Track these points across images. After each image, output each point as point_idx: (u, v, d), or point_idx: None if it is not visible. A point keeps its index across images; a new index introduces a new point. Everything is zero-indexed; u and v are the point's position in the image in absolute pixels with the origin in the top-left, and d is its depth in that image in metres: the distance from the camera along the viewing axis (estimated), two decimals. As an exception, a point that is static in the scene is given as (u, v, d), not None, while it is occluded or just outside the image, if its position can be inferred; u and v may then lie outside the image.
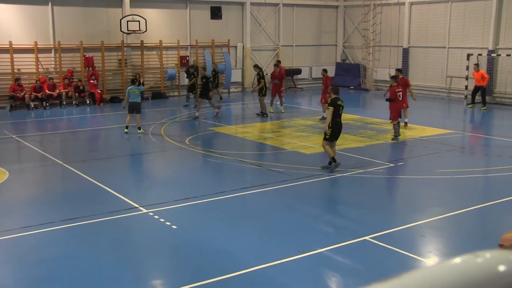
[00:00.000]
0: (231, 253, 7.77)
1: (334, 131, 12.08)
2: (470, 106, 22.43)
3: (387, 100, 16.02)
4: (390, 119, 15.86)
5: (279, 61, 22.20)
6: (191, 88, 22.75)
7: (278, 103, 21.19)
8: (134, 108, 16.77)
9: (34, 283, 7.04)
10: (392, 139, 15.60)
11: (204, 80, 19.63)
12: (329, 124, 12.02)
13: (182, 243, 8.28)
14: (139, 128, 16.85)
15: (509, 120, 20.32)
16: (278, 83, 20.63)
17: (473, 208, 9.86)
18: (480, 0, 24.09)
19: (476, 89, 22.15)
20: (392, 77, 16.33)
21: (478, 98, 22.43)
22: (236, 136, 16.95)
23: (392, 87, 15.88)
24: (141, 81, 24.33)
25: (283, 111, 20.93)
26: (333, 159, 12.13)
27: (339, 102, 12.08)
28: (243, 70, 28.34)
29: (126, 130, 16.83)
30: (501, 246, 3.27)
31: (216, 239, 8.31)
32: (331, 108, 12.04)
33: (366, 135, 16.76)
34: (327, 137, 12.14)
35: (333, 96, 12.24)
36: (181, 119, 20.25)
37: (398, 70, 18.35)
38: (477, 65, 22.35)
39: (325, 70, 19.77)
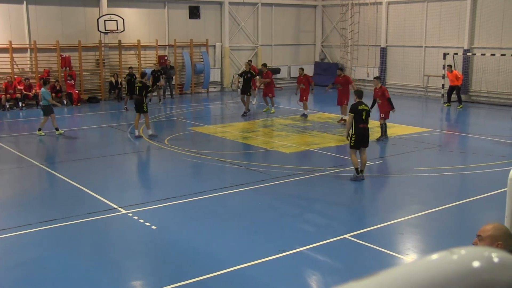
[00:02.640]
0: (211, 253, 7.76)
1: (358, 138, 11.15)
2: (446, 105, 22.76)
3: (373, 104, 15.59)
4: (384, 119, 15.43)
5: (250, 61, 22.56)
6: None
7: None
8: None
9: (12, 285, 6.94)
10: (379, 139, 15.52)
11: (248, 75, 19.91)
12: (350, 131, 11.20)
13: (162, 244, 8.24)
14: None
15: (485, 118, 20.65)
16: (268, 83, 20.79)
17: (451, 205, 10.01)
18: (455, 0, 24.44)
19: (452, 88, 22.52)
20: (377, 78, 16.00)
21: (454, 97, 22.74)
22: (215, 135, 16.92)
23: (376, 88, 15.63)
24: (119, 81, 24.20)
25: (273, 111, 20.96)
26: (356, 170, 11.30)
27: (360, 107, 11.19)
28: (222, 70, 28.31)
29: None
30: (479, 236, 3.32)
31: (196, 239, 8.29)
32: (351, 115, 11.19)
33: (345, 133, 16.85)
34: (351, 144, 11.26)
35: (357, 100, 11.39)
36: (160, 119, 20.14)
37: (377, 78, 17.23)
38: (450, 66, 22.70)
39: (302, 69, 19.90)
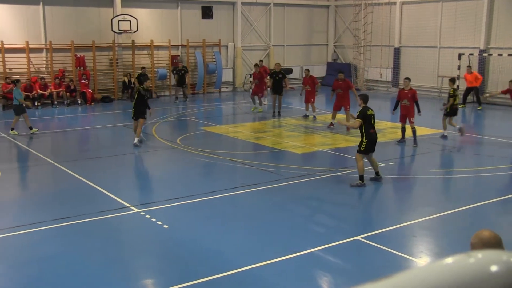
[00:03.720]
0: (222, 253, 7.75)
1: (369, 143, 11.00)
2: (461, 106, 22.52)
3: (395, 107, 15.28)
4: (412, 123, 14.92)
5: (261, 61, 22.70)
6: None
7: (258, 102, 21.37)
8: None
9: (24, 282, 6.99)
10: (400, 141, 15.24)
11: (280, 76, 19.98)
12: (363, 136, 10.99)
13: (173, 243, 8.25)
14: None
15: (500, 120, 20.45)
16: (258, 83, 20.96)
17: (465, 208, 9.90)
18: None
19: (468, 90, 22.24)
20: (407, 78, 15.38)
21: (469, 98, 22.53)
22: (227, 135, 16.93)
23: (405, 90, 14.96)
24: (133, 81, 24.31)
25: (260, 110, 21.14)
26: (361, 178, 11.03)
27: (369, 112, 11.00)
28: (234, 70, 28.33)
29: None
30: (471, 244, 3.23)
31: (207, 239, 8.29)
32: (359, 121, 10.95)
33: (357, 134, 16.76)
34: (361, 149, 11.05)
35: (363, 105, 11.14)
36: (172, 118, 20.20)
37: (407, 78, 16.26)
38: (469, 67, 22.42)
39: (308, 70, 19.82)
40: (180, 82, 24.21)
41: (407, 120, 14.89)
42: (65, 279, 7.00)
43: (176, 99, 24.48)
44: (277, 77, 20.09)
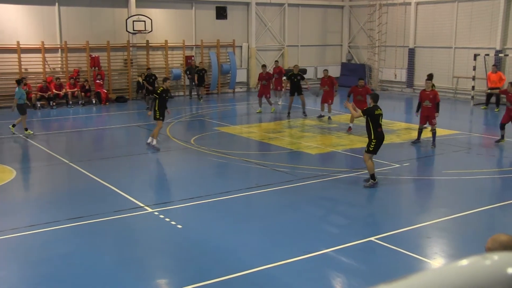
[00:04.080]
0: (236, 253, 7.76)
1: (378, 142, 10.96)
2: (483, 107, 22.17)
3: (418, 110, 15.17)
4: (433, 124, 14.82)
5: (276, 62, 22.77)
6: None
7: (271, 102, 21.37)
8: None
9: (39, 281, 7.05)
10: (414, 142, 15.21)
11: (298, 78, 20.22)
12: (372, 136, 10.95)
13: (187, 243, 8.28)
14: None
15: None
16: (266, 84, 21.01)
17: (479, 209, 9.80)
18: None
19: (491, 90, 21.47)
20: (430, 78, 15.13)
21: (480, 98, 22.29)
22: (241, 136, 16.94)
23: (426, 91, 14.80)
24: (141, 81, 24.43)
25: (273, 109, 21.16)
26: (372, 176, 11.02)
27: (377, 112, 10.92)
28: (248, 70, 28.34)
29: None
30: (487, 248, 3.19)
31: (221, 239, 8.30)
32: (360, 114, 11.07)
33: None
34: (370, 149, 10.99)
35: (372, 104, 11.03)
36: (186, 119, 20.26)
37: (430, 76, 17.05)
38: (495, 66, 22.00)
39: (327, 70, 19.77)
40: (200, 82, 24.81)
41: (428, 122, 14.80)
42: (79, 278, 7.05)
43: (199, 98, 25.03)
44: (295, 79, 20.15)
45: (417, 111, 15.18)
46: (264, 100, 21.07)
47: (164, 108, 14.69)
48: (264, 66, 21.91)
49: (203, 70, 24.89)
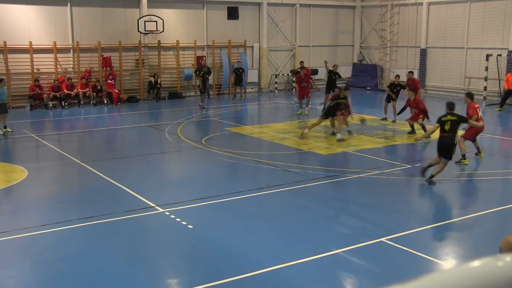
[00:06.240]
0: (246, 253, 7.76)
1: (437, 146, 11.50)
2: (498, 110, 21.87)
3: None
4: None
5: (302, 62, 22.86)
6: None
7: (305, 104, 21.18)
8: None
9: (50, 280, 7.10)
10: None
11: (335, 76, 21.36)
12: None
13: (198, 243, 8.29)
14: None
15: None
16: (306, 85, 20.75)
17: (491, 211, 9.73)
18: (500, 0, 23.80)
19: (509, 92, 21.18)
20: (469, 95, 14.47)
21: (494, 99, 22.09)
22: (252, 136, 16.95)
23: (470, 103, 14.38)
24: (159, 81, 24.54)
25: (306, 113, 20.89)
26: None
27: (443, 118, 11.31)
28: (260, 71, 28.35)
29: None
30: (500, 248, 3.17)
31: (232, 239, 8.31)
32: (436, 125, 11.46)
33: (382, 136, 16.66)
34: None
35: (447, 111, 11.44)
36: (197, 119, 20.31)
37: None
38: None
39: (411, 72, 19.21)
40: (238, 81, 25.35)
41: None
42: (90, 278, 7.09)
43: (233, 97, 25.73)
44: (333, 77, 21.47)
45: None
46: (304, 100, 20.85)
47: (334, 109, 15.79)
48: (302, 68, 21.23)
49: (241, 69, 25.37)
